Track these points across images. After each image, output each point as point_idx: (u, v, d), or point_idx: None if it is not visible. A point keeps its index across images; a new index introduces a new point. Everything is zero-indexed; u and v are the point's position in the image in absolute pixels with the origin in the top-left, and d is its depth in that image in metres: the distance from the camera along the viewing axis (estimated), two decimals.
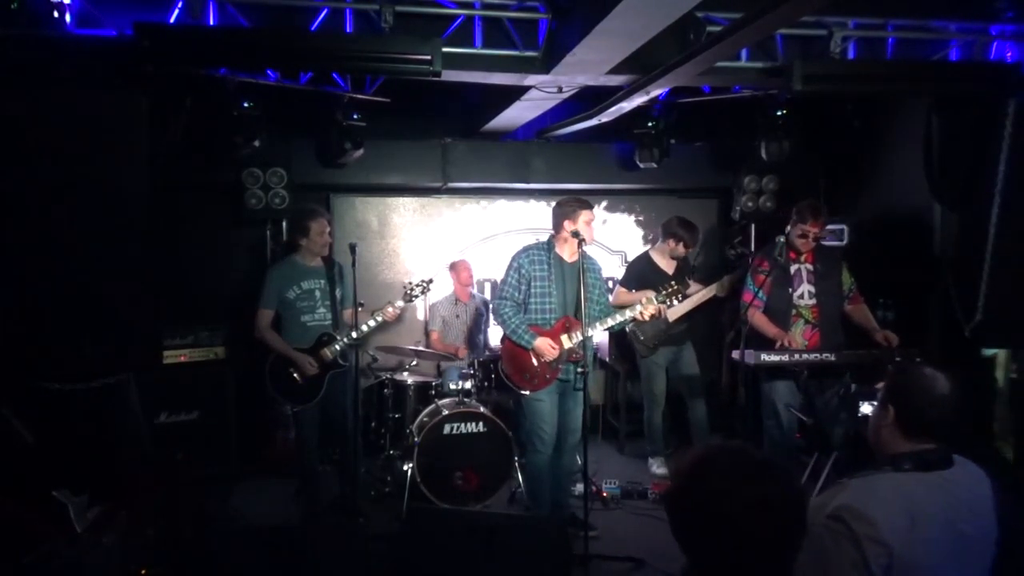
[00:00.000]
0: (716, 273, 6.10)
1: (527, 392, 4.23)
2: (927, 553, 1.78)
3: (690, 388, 5.50)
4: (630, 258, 6.87)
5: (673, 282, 4.44)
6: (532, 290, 4.21)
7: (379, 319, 4.55)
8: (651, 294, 4.33)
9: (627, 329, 5.32)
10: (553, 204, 4.37)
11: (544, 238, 4.40)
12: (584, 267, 4.10)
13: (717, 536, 1.35)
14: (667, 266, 5.45)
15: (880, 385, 2.09)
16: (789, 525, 1.36)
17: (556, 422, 4.27)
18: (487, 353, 5.71)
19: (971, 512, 1.89)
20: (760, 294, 4.56)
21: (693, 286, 5.47)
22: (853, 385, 4.42)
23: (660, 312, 4.38)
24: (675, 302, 4.49)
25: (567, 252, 4.27)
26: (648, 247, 6.02)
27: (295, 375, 4.43)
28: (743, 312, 4.60)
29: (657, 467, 5.48)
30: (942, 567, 1.80)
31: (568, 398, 4.30)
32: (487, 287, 6.49)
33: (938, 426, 1.95)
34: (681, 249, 5.40)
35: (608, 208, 6.86)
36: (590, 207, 4.23)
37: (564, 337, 4.18)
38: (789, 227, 4.62)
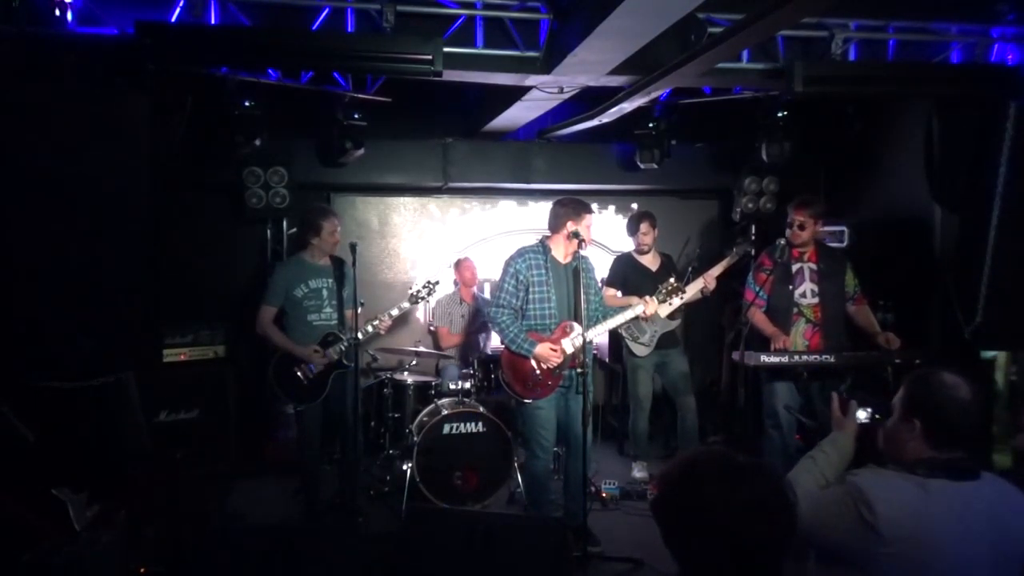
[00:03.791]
0: None
1: (529, 401, 4.15)
2: (943, 559, 1.74)
3: (679, 392, 5.37)
4: None
5: (672, 280, 4.40)
6: (531, 296, 4.10)
7: (375, 323, 4.57)
8: (647, 299, 4.30)
9: (621, 332, 5.28)
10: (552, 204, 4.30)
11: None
12: (579, 267, 4.07)
13: (710, 542, 1.33)
14: (650, 263, 5.39)
15: (898, 396, 2.00)
16: (780, 526, 1.35)
17: (556, 427, 4.20)
18: (487, 353, 5.70)
19: (995, 528, 1.81)
20: (761, 293, 4.56)
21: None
22: (843, 388, 4.32)
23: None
24: (677, 299, 4.43)
25: (561, 254, 4.18)
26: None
27: (299, 374, 4.42)
28: (744, 312, 4.60)
29: (638, 471, 5.44)
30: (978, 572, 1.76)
31: (571, 402, 4.20)
32: (487, 287, 6.49)
33: (968, 434, 1.88)
34: (643, 239, 5.34)
35: (608, 209, 6.86)
36: (591, 211, 4.18)
37: (565, 342, 4.08)
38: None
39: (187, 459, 4.65)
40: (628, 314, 4.25)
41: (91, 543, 3.48)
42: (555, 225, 4.17)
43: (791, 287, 4.58)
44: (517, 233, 6.55)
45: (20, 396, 3.75)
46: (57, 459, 3.76)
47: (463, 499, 4.76)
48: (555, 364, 4.06)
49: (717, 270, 4.99)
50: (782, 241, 4.50)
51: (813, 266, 4.61)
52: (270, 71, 4.80)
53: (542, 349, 4.04)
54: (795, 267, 4.61)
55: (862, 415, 2.38)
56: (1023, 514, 1.86)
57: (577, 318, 4.08)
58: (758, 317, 4.59)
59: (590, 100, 5.34)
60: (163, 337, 5.23)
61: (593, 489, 4.81)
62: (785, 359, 4.37)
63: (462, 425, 4.84)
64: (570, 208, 4.12)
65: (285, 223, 6.05)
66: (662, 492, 1.44)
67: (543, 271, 4.12)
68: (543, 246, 4.19)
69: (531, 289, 4.11)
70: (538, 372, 4.09)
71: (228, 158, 5.50)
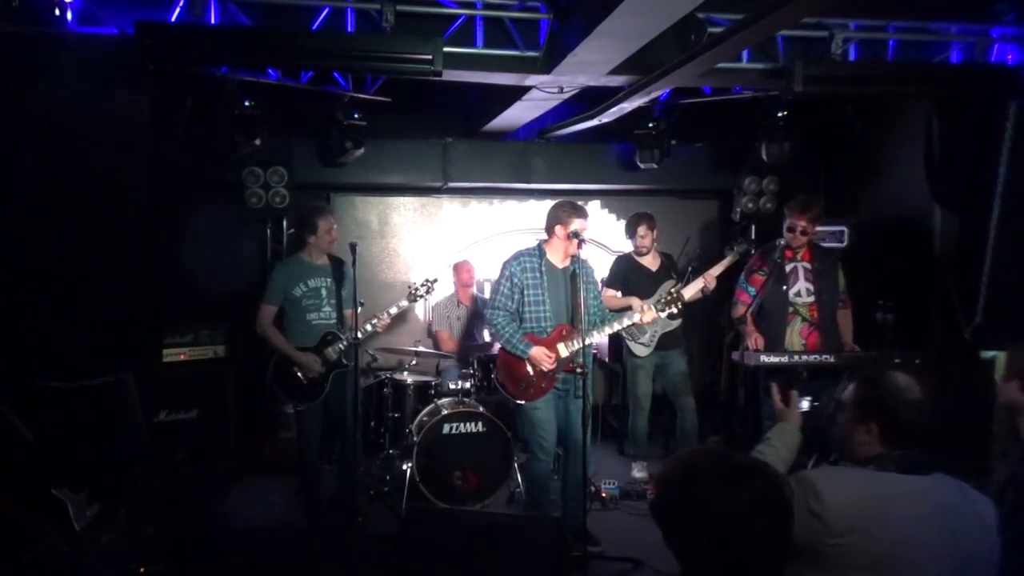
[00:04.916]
0: None
1: (522, 402, 4.15)
2: (895, 551, 1.74)
3: (679, 392, 5.34)
4: None
5: (673, 290, 4.38)
6: (526, 298, 4.12)
7: (374, 322, 4.57)
8: (646, 303, 4.30)
9: (622, 332, 5.25)
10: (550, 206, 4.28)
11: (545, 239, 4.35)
12: (576, 271, 4.07)
13: (713, 542, 1.33)
14: (650, 263, 5.37)
15: (849, 397, 2.06)
16: (781, 523, 1.36)
17: (556, 428, 4.19)
18: (485, 354, 5.69)
19: (949, 525, 1.81)
20: (757, 297, 4.55)
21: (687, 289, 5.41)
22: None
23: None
24: (674, 308, 4.39)
25: (558, 257, 4.18)
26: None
27: (299, 374, 4.42)
28: (739, 313, 4.59)
29: (638, 471, 5.43)
30: (929, 567, 1.76)
31: (570, 405, 4.20)
32: (486, 287, 6.49)
33: (921, 432, 1.94)
34: (642, 242, 5.33)
35: (608, 209, 6.85)
36: (585, 216, 4.13)
37: (561, 346, 4.08)
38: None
39: (187, 459, 4.64)
40: (624, 321, 4.24)
41: (91, 543, 3.48)
42: (548, 229, 4.18)
43: (785, 287, 4.59)
44: (517, 233, 6.55)
45: (20, 396, 3.75)
46: (57, 459, 3.77)
47: (463, 499, 4.76)
48: (549, 368, 4.06)
49: (717, 270, 4.99)
50: (781, 242, 4.51)
51: (807, 265, 4.62)
52: (270, 71, 4.79)
53: (537, 352, 4.04)
54: (789, 267, 4.61)
55: (804, 404, 2.41)
56: (979, 511, 1.85)
57: (575, 322, 4.07)
58: (741, 316, 4.59)
59: (590, 100, 5.33)
60: (163, 337, 5.22)
61: (593, 489, 4.81)
62: (785, 359, 4.37)
63: (462, 425, 4.84)
64: (562, 212, 4.12)
65: (285, 223, 6.05)
66: (662, 495, 1.44)
67: (537, 275, 4.13)
68: (539, 250, 4.20)
69: (526, 292, 4.12)
70: (532, 374, 4.10)
71: (228, 157, 5.49)
